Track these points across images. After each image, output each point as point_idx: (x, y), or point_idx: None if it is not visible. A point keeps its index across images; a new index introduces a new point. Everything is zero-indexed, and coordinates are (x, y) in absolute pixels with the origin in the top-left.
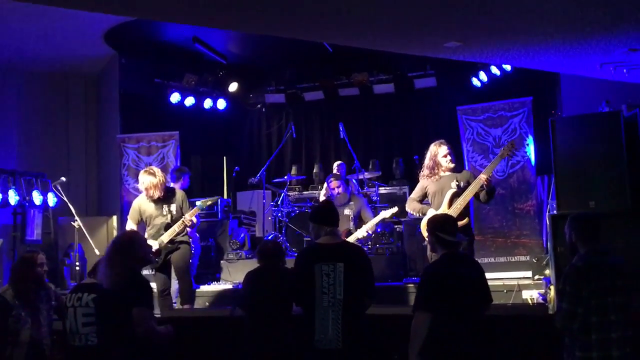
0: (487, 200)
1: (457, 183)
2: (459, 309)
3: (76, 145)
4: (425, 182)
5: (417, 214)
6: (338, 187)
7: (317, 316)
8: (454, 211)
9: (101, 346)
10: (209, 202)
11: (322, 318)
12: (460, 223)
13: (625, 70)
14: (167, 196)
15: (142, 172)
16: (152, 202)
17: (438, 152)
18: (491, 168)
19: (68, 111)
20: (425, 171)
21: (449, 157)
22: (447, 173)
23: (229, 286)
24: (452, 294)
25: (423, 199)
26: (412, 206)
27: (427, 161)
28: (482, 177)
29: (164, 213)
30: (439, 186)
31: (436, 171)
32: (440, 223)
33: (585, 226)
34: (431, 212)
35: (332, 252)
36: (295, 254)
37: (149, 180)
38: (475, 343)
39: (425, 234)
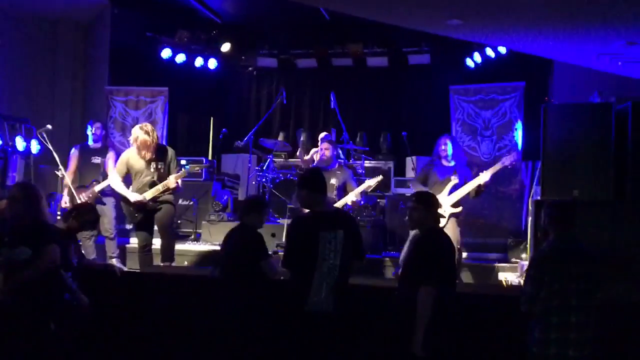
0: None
1: (458, 176)
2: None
3: (62, 93)
4: (427, 168)
5: None
6: (327, 149)
7: (314, 282)
8: (451, 199)
9: None
10: (197, 168)
11: (318, 283)
12: (456, 211)
13: (620, 63)
14: (156, 154)
15: (137, 127)
16: (140, 159)
17: (439, 142)
18: (493, 171)
19: (55, 58)
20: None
21: (442, 147)
22: (448, 164)
23: (209, 247)
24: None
25: (425, 182)
26: (416, 186)
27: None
28: (481, 182)
29: (152, 170)
30: (441, 176)
31: (438, 160)
32: (437, 201)
33: (559, 213)
34: None
35: (332, 219)
36: (278, 220)
37: (143, 138)
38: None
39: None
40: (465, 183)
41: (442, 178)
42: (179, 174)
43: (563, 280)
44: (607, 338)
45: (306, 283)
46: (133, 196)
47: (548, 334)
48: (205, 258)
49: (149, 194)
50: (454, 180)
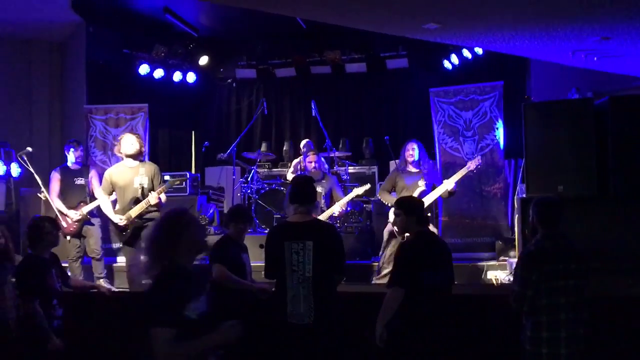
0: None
1: (425, 182)
2: (431, 286)
3: (40, 114)
4: (394, 175)
5: (388, 204)
6: (310, 162)
7: (288, 293)
8: None
9: None
10: (177, 182)
11: (293, 295)
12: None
13: (595, 58)
14: (140, 169)
15: (128, 132)
16: (123, 175)
17: (406, 147)
18: (458, 177)
19: (31, 80)
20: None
21: (410, 152)
22: (416, 170)
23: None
24: (427, 272)
25: (392, 190)
26: (383, 196)
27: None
28: (447, 189)
29: (135, 186)
30: (408, 181)
31: (404, 166)
32: (419, 204)
33: (545, 210)
34: None
35: (302, 230)
36: (265, 231)
37: (132, 138)
38: (443, 322)
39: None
40: (433, 188)
41: (409, 183)
42: (160, 189)
43: (550, 278)
44: (597, 334)
45: (282, 294)
46: (117, 218)
47: (539, 333)
48: None
49: (133, 212)
50: (422, 186)
